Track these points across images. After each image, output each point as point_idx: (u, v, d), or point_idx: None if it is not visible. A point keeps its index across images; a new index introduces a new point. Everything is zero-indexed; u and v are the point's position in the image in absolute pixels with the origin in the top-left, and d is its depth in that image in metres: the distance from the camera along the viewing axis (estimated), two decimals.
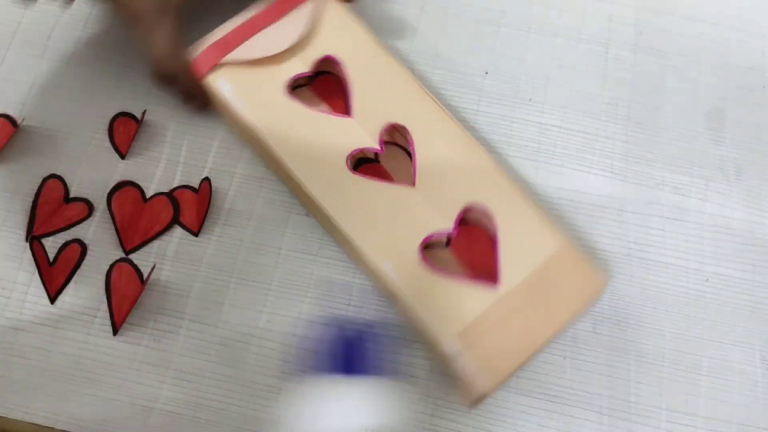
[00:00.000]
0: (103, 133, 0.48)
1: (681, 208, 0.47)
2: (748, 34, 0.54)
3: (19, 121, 0.47)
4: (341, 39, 0.45)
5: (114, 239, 0.44)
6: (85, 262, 0.44)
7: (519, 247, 0.41)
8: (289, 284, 0.44)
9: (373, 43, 0.45)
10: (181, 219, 0.45)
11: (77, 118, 0.48)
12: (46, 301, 0.42)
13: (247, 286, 0.44)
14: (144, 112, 0.48)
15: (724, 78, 0.52)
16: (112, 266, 0.43)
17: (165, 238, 0.45)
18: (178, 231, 0.45)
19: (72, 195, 0.46)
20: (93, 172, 0.46)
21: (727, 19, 0.54)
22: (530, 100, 0.50)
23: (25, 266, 0.43)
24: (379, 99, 0.44)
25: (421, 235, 0.41)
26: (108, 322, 0.42)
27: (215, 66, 0.44)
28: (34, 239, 0.43)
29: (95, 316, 0.42)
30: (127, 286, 0.42)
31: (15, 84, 0.49)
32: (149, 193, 0.46)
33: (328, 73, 0.46)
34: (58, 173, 0.46)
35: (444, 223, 0.41)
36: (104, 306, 0.42)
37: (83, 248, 0.44)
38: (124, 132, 0.47)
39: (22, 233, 0.44)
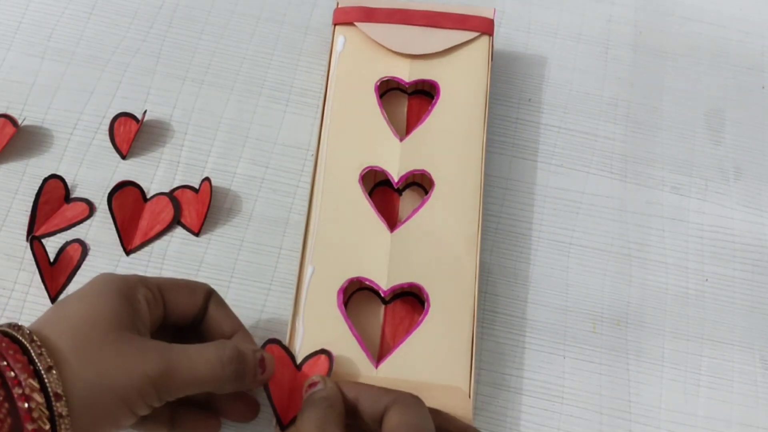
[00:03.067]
0: (104, 133, 0.48)
1: (680, 208, 0.47)
2: (747, 34, 0.54)
3: (19, 121, 0.47)
4: (460, 77, 0.46)
5: (115, 239, 0.44)
6: (85, 262, 0.44)
7: (424, 352, 0.39)
8: (289, 284, 0.44)
9: (479, 101, 0.45)
10: (182, 219, 0.45)
11: (77, 118, 0.48)
12: (47, 300, 0.42)
13: (247, 286, 0.44)
14: (144, 112, 0.48)
15: (724, 78, 0.52)
16: None
17: (165, 238, 0.45)
18: (178, 231, 0.45)
19: (73, 195, 0.46)
20: (93, 172, 0.46)
21: (727, 19, 0.54)
22: (530, 100, 0.50)
23: (26, 266, 0.43)
24: (438, 147, 0.44)
25: (358, 271, 0.40)
26: None
27: (349, 23, 0.47)
28: (34, 239, 0.43)
29: None
30: None
31: (15, 84, 0.49)
32: (150, 194, 0.46)
33: (428, 94, 0.47)
34: (59, 173, 0.46)
35: (387, 279, 0.40)
36: None
37: (84, 248, 0.44)
38: (125, 132, 0.47)
39: (23, 233, 0.44)
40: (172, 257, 0.44)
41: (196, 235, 0.45)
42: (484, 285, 0.44)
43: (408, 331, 0.39)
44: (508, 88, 0.51)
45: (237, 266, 0.44)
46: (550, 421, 0.41)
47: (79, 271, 0.43)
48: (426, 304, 0.40)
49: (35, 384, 0.29)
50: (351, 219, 0.42)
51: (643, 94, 0.51)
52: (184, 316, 0.37)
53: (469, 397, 0.38)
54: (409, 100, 0.47)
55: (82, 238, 0.44)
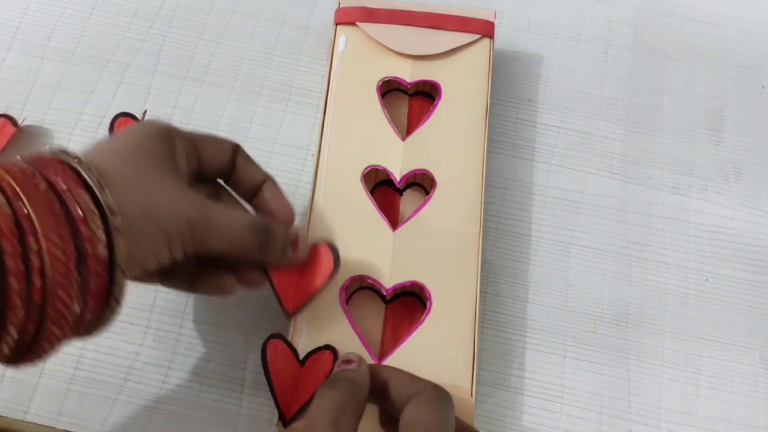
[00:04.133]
0: (104, 133, 0.48)
1: (681, 208, 0.47)
2: (747, 34, 0.54)
3: (19, 122, 0.47)
4: (461, 78, 0.46)
5: None
6: None
7: (426, 351, 0.39)
8: None
9: (480, 102, 0.45)
10: None
11: (77, 118, 0.48)
12: None
13: None
14: (144, 112, 0.48)
15: (724, 78, 0.52)
16: None
17: None
18: None
19: None
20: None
21: (726, 19, 0.54)
22: (530, 100, 0.50)
23: None
24: (440, 147, 0.44)
25: (360, 270, 0.40)
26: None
27: (350, 22, 0.47)
28: None
29: None
30: None
31: (15, 84, 0.49)
32: None
33: (429, 95, 0.47)
34: None
35: (389, 278, 0.40)
36: None
37: None
38: None
39: None
40: None
41: None
42: (484, 285, 0.44)
43: (409, 331, 0.39)
44: (508, 88, 0.51)
45: None
46: (550, 421, 0.41)
47: None
48: (428, 303, 0.40)
49: (89, 199, 0.29)
50: (353, 218, 0.42)
51: (643, 94, 0.51)
52: (215, 169, 0.38)
53: (471, 396, 0.38)
54: (410, 100, 0.47)
55: None
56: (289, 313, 0.38)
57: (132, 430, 0.40)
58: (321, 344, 0.38)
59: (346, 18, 0.47)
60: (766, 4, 0.55)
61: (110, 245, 0.29)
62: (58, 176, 0.29)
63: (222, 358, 0.42)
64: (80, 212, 0.28)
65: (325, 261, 0.38)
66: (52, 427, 0.40)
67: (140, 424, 0.40)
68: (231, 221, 0.35)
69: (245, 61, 0.51)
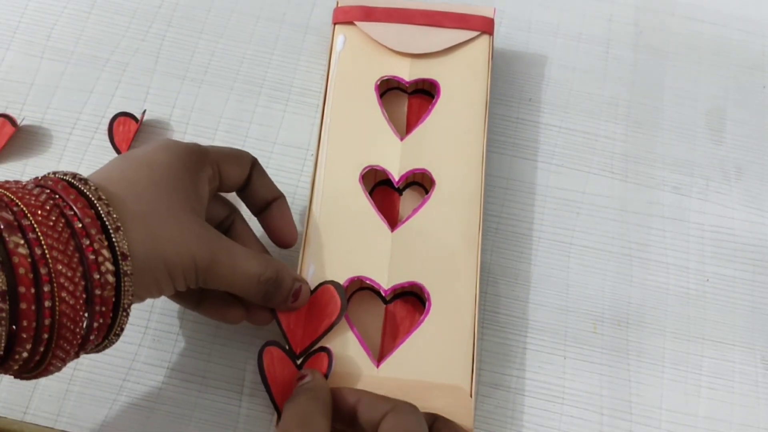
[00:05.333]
0: (103, 132, 0.47)
1: (681, 208, 0.47)
2: (748, 34, 0.54)
3: (19, 121, 0.47)
4: (460, 76, 0.46)
5: None
6: None
7: (426, 351, 0.38)
8: None
9: (480, 100, 0.45)
10: None
11: (77, 118, 0.48)
12: None
13: None
14: (144, 112, 0.48)
15: (725, 77, 0.52)
16: None
17: None
18: None
19: None
20: (93, 172, 0.46)
21: (727, 19, 0.54)
22: (530, 99, 0.50)
23: None
24: (439, 146, 0.44)
25: (359, 271, 0.40)
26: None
27: (348, 22, 0.47)
28: None
29: None
30: None
31: (14, 83, 0.49)
32: None
33: (428, 94, 0.47)
34: None
35: (388, 279, 0.40)
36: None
37: None
38: (124, 132, 0.47)
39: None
40: None
41: None
42: (484, 285, 0.44)
43: (409, 331, 0.39)
44: (509, 88, 0.51)
45: None
46: (551, 421, 0.41)
47: None
48: (427, 303, 0.40)
49: (104, 239, 0.29)
50: (352, 218, 0.42)
51: (644, 94, 0.51)
52: (233, 185, 0.38)
53: (471, 396, 0.38)
54: (409, 99, 0.47)
55: None
56: (296, 354, 0.38)
57: (131, 430, 0.40)
58: (320, 346, 0.38)
59: (344, 17, 0.47)
60: (767, 4, 0.55)
61: (117, 287, 0.30)
62: (74, 212, 0.29)
63: (221, 358, 0.42)
64: (93, 256, 0.29)
65: (333, 302, 0.39)
66: (52, 428, 0.40)
67: (139, 425, 0.40)
68: (239, 268, 0.35)
69: (245, 61, 0.51)
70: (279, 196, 0.40)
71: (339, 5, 0.48)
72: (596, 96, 0.51)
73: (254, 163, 0.39)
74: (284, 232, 0.40)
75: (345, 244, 0.41)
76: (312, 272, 0.40)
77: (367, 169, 0.43)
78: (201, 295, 0.38)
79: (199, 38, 0.51)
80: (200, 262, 0.33)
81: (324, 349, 0.38)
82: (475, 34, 0.47)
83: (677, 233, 0.47)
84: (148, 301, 0.42)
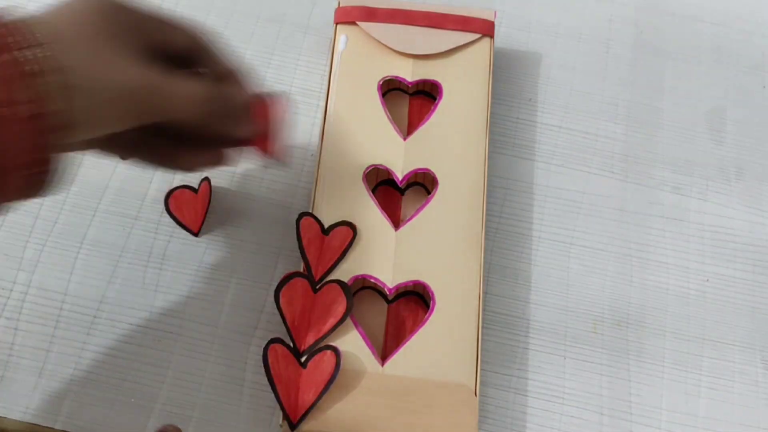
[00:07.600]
0: None
1: (681, 208, 0.47)
2: (749, 34, 0.54)
3: None
4: (462, 78, 0.46)
5: None
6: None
7: (430, 349, 0.39)
8: None
9: (481, 101, 0.46)
10: (181, 219, 0.45)
11: None
12: (46, 301, 0.42)
13: (247, 286, 0.44)
14: None
15: (725, 78, 0.52)
16: None
17: (164, 237, 0.45)
18: (177, 231, 0.45)
19: (72, 195, 0.46)
20: (93, 172, 0.46)
21: (727, 19, 0.54)
22: (530, 99, 0.50)
23: (25, 266, 0.43)
24: (442, 147, 0.44)
25: (363, 269, 0.40)
26: (109, 324, 0.42)
27: (350, 22, 0.47)
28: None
29: (95, 317, 0.42)
30: None
31: None
32: (150, 192, 0.46)
33: (429, 95, 0.47)
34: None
35: (392, 278, 0.40)
36: (105, 306, 0.42)
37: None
38: None
39: (22, 233, 0.44)
40: (171, 257, 0.44)
41: (196, 235, 0.45)
42: (484, 285, 0.44)
43: (412, 330, 0.39)
44: (509, 88, 0.51)
45: (237, 266, 0.44)
46: (551, 421, 0.41)
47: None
48: (431, 303, 0.40)
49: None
50: (355, 217, 0.42)
51: (644, 94, 0.51)
52: (179, 50, 0.35)
53: (475, 395, 0.38)
54: (410, 100, 0.47)
55: None
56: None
57: (131, 430, 0.40)
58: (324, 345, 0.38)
59: (346, 17, 0.47)
60: (767, 4, 0.55)
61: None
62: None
63: (221, 358, 0.42)
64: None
65: (339, 301, 0.39)
66: (51, 428, 0.40)
67: (139, 425, 0.40)
68: (182, 91, 0.33)
69: (245, 61, 0.51)
70: (231, 72, 0.36)
71: (341, 5, 0.48)
72: (596, 96, 0.51)
73: (197, 37, 0.35)
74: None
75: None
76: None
77: (369, 169, 0.43)
78: (172, 150, 0.36)
79: None
80: (137, 91, 0.31)
81: (331, 347, 0.38)
82: (476, 36, 0.47)
83: (677, 233, 0.47)
84: (148, 300, 0.42)
